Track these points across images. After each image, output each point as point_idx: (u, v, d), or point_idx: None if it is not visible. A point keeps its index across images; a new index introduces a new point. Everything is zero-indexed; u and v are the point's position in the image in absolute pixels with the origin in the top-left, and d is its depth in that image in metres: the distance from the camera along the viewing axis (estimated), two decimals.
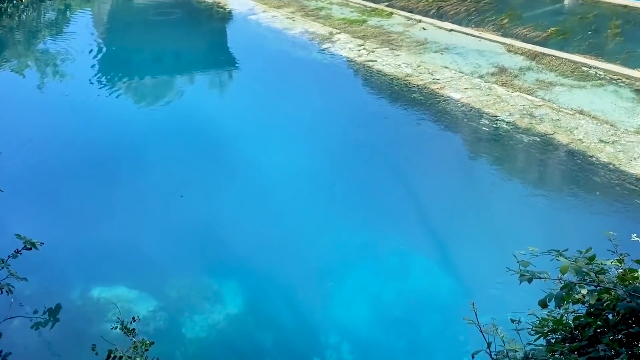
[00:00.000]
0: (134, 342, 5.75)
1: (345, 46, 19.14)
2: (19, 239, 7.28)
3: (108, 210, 11.15)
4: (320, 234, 10.47)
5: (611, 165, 11.52)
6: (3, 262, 7.06)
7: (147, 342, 5.80)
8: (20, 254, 7.25)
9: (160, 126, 14.73)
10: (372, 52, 18.44)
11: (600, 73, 15.53)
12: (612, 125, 12.90)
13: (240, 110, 15.69)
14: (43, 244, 7.52)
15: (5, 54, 21.64)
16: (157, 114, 15.38)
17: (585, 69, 15.85)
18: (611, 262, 4.15)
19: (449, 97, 14.97)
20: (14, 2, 26.09)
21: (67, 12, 27.59)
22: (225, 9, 25.39)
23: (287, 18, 22.66)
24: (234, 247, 10.17)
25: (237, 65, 19.45)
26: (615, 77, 15.22)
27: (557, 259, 4.04)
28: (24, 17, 26.48)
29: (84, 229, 10.64)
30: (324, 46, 19.27)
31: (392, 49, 18.54)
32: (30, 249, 7.30)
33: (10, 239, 7.43)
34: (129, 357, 5.55)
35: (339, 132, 14.11)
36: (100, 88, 17.23)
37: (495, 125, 13.47)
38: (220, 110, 15.90)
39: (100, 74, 18.30)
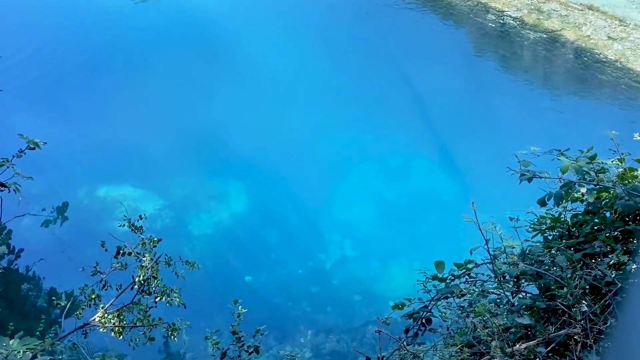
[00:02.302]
0: (142, 238, 5.88)
1: None
2: (21, 138, 7.28)
3: (112, 109, 11.06)
4: (323, 133, 10.46)
5: (618, 63, 11.30)
6: (8, 161, 7.10)
7: (155, 239, 5.93)
8: (24, 153, 7.27)
9: (159, 22, 14.26)
10: None
11: None
12: (621, 21, 12.50)
13: (238, 3, 15.14)
14: (46, 143, 7.52)
15: None
16: (155, 10, 14.85)
17: None
18: (612, 162, 4.14)
19: None
20: None
21: None
22: None
23: None
24: (238, 147, 10.20)
25: None
26: None
27: (559, 159, 4.03)
28: None
29: (88, 130, 10.62)
30: None
31: None
32: (34, 148, 7.30)
33: (13, 140, 7.44)
34: (137, 253, 5.71)
35: (341, 28, 13.69)
36: None
37: (501, 21, 13.06)
38: (220, 5, 15.35)
39: None
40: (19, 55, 12.67)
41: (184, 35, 13.56)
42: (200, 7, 15.00)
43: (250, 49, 12.84)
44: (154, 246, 5.88)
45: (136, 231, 6.07)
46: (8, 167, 7.14)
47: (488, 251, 3.92)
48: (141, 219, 6.25)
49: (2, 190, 7.08)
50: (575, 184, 3.90)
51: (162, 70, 12.18)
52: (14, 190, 7.05)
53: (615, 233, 3.77)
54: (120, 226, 6.14)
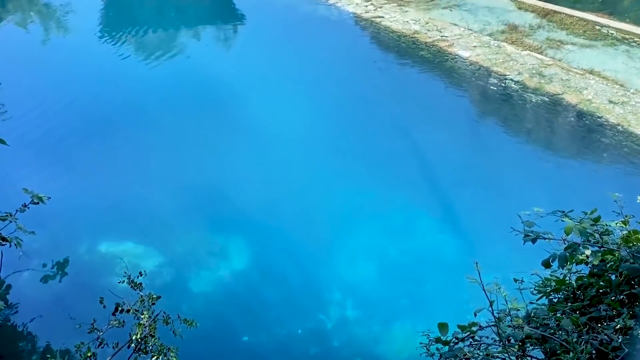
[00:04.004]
0: (141, 295, 5.83)
1: (352, 1, 18.78)
2: (26, 193, 7.32)
3: (116, 166, 11.17)
4: (325, 191, 10.49)
5: (620, 127, 11.42)
6: (11, 215, 7.12)
7: (154, 296, 5.88)
8: (28, 207, 7.30)
9: (166, 82, 14.61)
10: (380, 7, 18.10)
11: (612, 32, 15.23)
12: (622, 86, 12.72)
13: (245, 64, 15.52)
14: (50, 198, 7.56)
15: (9, 7, 21.35)
16: (161, 70, 15.23)
17: (597, 27, 15.55)
18: (616, 224, 4.14)
19: (457, 55, 14.75)
20: None
21: None
22: None
23: None
24: (240, 203, 10.21)
25: (242, 19, 19.15)
26: (627, 36, 14.94)
27: (562, 220, 4.03)
28: None
29: (91, 185, 10.68)
30: (330, 1, 18.90)
31: (400, 5, 18.19)
32: (38, 203, 7.35)
33: (18, 194, 7.47)
34: (136, 310, 5.64)
35: (345, 88, 13.97)
36: (105, 43, 17.03)
37: (503, 85, 13.31)
38: (226, 65, 15.73)
39: (104, 28, 18.07)
40: (28, 111, 12.91)
41: (191, 95, 13.84)
42: (208, 69, 15.37)
43: (254, 108, 13.08)
44: (153, 303, 5.82)
45: (135, 288, 6.02)
46: (11, 222, 7.14)
47: (492, 313, 3.85)
48: (141, 275, 6.22)
49: (3, 245, 7.06)
50: (579, 245, 3.88)
51: (167, 128, 12.37)
52: (15, 244, 7.03)
53: (621, 297, 3.71)
54: (119, 282, 6.10)
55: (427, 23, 16.72)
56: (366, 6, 18.33)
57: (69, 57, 16.17)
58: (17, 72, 15.20)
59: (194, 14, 19.64)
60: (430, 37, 15.80)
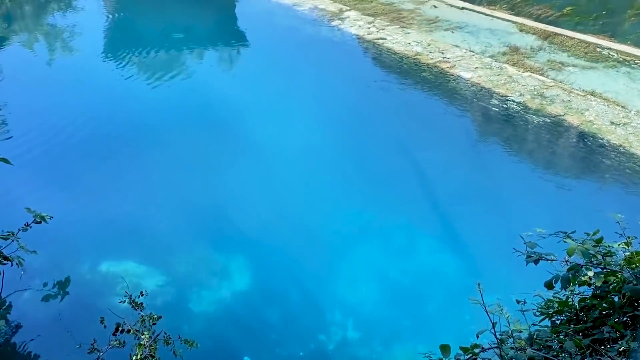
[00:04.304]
0: (142, 316, 5.81)
1: (355, 23, 18.96)
2: (28, 212, 7.34)
3: (118, 185, 11.20)
4: (327, 210, 10.49)
5: (622, 148, 11.44)
6: (13, 234, 7.14)
7: (155, 316, 5.86)
8: (30, 227, 7.32)
9: (168, 102, 14.70)
10: (382, 29, 18.27)
11: (613, 54, 15.33)
12: (623, 107, 12.77)
13: (248, 86, 15.63)
14: (52, 217, 7.59)
15: (14, 27, 21.59)
16: (165, 90, 15.34)
17: (598, 49, 15.65)
18: (618, 245, 4.14)
19: (459, 76, 14.85)
20: None
21: None
22: None
23: None
24: (241, 223, 10.21)
25: (246, 41, 19.33)
26: (628, 58, 15.03)
27: (565, 241, 4.03)
28: None
29: (93, 204, 10.70)
30: (333, 23, 19.09)
31: (403, 27, 18.36)
32: (40, 222, 7.37)
33: (20, 213, 7.49)
34: (136, 330, 5.62)
35: (347, 108, 14.05)
36: (108, 63, 17.19)
37: (505, 106, 13.37)
38: (229, 87, 15.84)
39: (109, 49, 18.25)
40: (31, 130, 12.99)
41: (193, 114, 13.92)
42: (211, 89, 15.49)
43: (257, 127, 13.14)
44: (154, 324, 5.80)
45: (136, 308, 6.01)
46: (13, 241, 7.16)
47: (495, 335, 3.83)
48: (142, 295, 6.21)
49: (5, 264, 7.07)
50: (582, 267, 3.88)
51: (169, 146, 12.42)
52: (16, 264, 7.04)
53: (625, 318, 3.69)
54: (120, 302, 6.09)
55: (429, 45, 16.86)
56: (369, 28, 18.50)
57: (73, 77, 16.30)
58: (22, 91, 15.32)
59: (197, 35, 19.84)
60: (432, 59, 15.91)
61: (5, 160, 6.74)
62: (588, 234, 4.13)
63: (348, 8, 20.47)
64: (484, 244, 9.39)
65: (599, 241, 4.05)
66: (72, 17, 22.16)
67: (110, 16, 22.58)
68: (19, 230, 7.21)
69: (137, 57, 17.54)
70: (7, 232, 7.19)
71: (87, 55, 17.90)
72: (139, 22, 21.88)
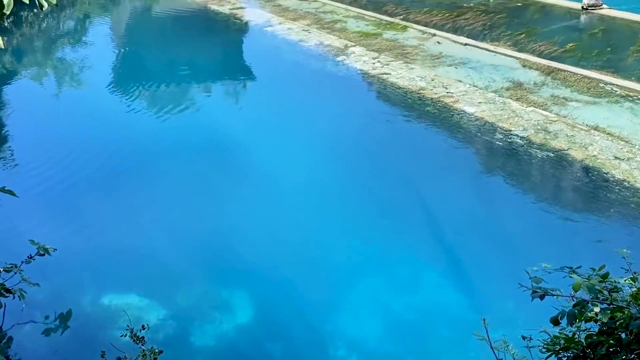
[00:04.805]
0: (143, 350, 5.77)
1: (360, 58, 19.20)
2: (32, 244, 7.35)
3: (120, 217, 11.22)
4: (330, 243, 10.45)
5: (626, 182, 11.42)
6: (16, 267, 7.13)
7: (156, 350, 5.81)
8: (34, 259, 7.33)
9: (174, 135, 14.83)
10: (387, 65, 18.48)
11: (616, 89, 15.43)
12: (627, 142, 12.79)
13: (254, 120, 15.77)
14: (56, 249, 7.59)
15: (24, 61, 21.96)
16: (171, 124, 15.49)
17: (601, 85, 15.76)
18: (625, 280, 4.11)
19: (462, 110, 14.95)
20: (35, 10, 26.46)
21: (86, 21, 27.96)
22: (241, 21, 25.58)
23: (303, 30, 22.78)
24: (245, 255, 10.18)
25: (252, 75, 19.58)
26: (631, 93, 15.12)
27: (570, 276, 4.01)
28: (44, 25, 26.87)
29: (97, 236, 10.71)
30: (339, 58, 19.34)
31: (407, 62, 18.57)
32: (44, 254, 7.37)
33: (24, 245, 7.50)
34: None
35: (351, 143, 14.13)
36: (116, 96, 17.41)
37: (509, 140, 13.42)
38: (235, 120, 15.99)
39: (117, 83, 18.50)
40: (38, 163, 13.10)
41: (198, 147, 14.02)
42: (216, 122, 15.64)
43: (261, 160, 13.21)
44: (155, 358, 5.75)
45: (138, 342, 5.97)
46: (15, 273, 7.15)
47: None
48: (144, 329, 6.17)
49: (6, 297, 7.04)
50: (588, 302, 3.84)
51: (175, 179, 12.49)
52: (18, 296, 7.02)
53: (632, 355, 3.63)
54: (122, 336, 6.05)
55: (432, 80, 17.02)
56: (373, 63, 18.71)
57: (81, 110, 16.51)
58: (30, 124, 15.51)
59: (204, 70, 20.12)
60: (435, 93, 16.05)
61: (11, 192, 6.78)
62: (594, 269, 4.11)
63: (353, 44, 20.75)
64: (489, 279, 9.31)
65: (605, 276, 4.02)
66: (82, 51, 22.56)
67: (119, 51, 22.98)
68: (22, 262, 7.21)
69: (145, 91, 17.77)
70: (10, 264, 7.19)
71: (96, 88, 18.16)
72: (147, 57, 22.23)
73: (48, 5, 4.40)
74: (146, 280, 9.67)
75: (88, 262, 9.96)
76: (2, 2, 4.21)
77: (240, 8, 27.34)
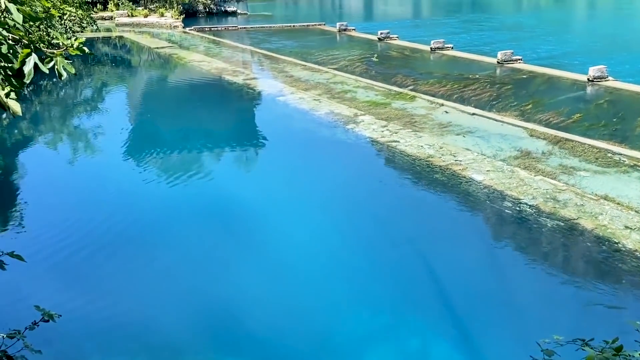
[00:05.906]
0: None
1: (369, 127, 19.52)
2: (37, 310, 7.29)
3: (128, 284, 11.16)
4: (338, 312, 10.29)
5: (637, 253, 11.28)
6: (19, 333, 7.04)
7: None
8: (38, 325, 7.24)
9: (186, 202, 14.94)
10: (396, 133, 18.76)
11: (625, 159, 15.49)
12: (637, 212, 12.72)
13: (265, 186, 15.90)
14: (61, 316, 7.51)
15: (41, 128, 22.50)
16: (183, 191, 15.63)
17: (609, 155, 15.85)
18: (639, 354, 4.02)
19: (471, 178, 15.01)
20: (54, 79, 27.36)
21: (103, 90, 28.81)
22: (254, 90, 26.27)
23: (314, 100, 23.30)
24: (252, 325, 10.02)
25: (264, 142, 19.89)
26: (639, 164, 15.17)
27: (583, 349, 3.93)
28: (62, 93, 27.71)
29: (102, 303, 10.60)
30: (348, 126, 19.67)
31: (415, 131, 18.84)
32: (48, 320, 7.29)
33: (29, 310, 7.44)
34: None
35: (360, 208, 14.16)
36: (130, 163, 17.69)
37: (518, 208, 13.39)
38: (247, 187, 16.12)
39: (130, 151, 18.84)
40: (47, 229, 13.19)
41: (207, 214, 14.09)
42: (227, 189, 15.77)
43: (270, 227, 13.22)
44: None
45: None
46: (18, 339, 7.06)
47: None
48: None
49: None
50: None
51: (186, 247, 12.47)
52: None
53: None
54: None
55: (441, 148, 17.21)
56: (382, 131, 19.00)
57: (93, 176, 16.75)
58: (42, 189, 15.71)
59: (218, 138, 20.48)
60: (444, 161, 16.18)
61: (19, 257, 6.79)
62: (607, 342, 4.03)
63: (362, 113, 21.16)
64: (499, 351, 9.07)
65: (618, 349, 3.93)
66: (98, 119, 23.15)
67: (134, 119, 23.55)
68: (26, 328, 7.12)
69: (158, 158, 18.06)
70: (14, 330, 7.10)
71: (108, 155, 18.48)
72: (162, 125, 22.71)
73: (67, 74, 4.56)
74: (151, 348, 9.50)
75: (92, 328, 9.83)
76: (23, 71, 4.38)
77: (254, 78, 28.16)
